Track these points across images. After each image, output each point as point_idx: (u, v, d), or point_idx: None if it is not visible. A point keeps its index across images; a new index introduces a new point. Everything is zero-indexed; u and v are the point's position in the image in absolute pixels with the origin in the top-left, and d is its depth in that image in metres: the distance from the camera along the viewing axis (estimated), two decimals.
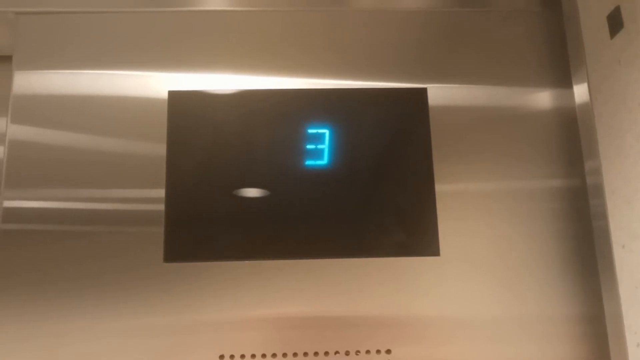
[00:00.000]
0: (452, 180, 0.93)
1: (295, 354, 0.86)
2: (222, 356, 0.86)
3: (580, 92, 0.94)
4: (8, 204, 0.89)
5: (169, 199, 0.90)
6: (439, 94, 0.96)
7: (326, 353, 0.86)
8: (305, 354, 0.86)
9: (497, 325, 0.88)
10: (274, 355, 0.86)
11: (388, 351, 0.87)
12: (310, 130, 0.94)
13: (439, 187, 0.92)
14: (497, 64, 0.97)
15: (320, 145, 0.93)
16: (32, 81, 0.93)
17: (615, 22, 0.85)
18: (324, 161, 0.92)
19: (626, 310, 0.83)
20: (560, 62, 0.97)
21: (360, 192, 0.92)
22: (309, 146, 0.93)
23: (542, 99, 0.97)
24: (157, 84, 0.94)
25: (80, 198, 0.90)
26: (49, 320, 0.86)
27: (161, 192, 0.90)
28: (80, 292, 0.87)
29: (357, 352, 0.87)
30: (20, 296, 0.86)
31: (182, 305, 0.87)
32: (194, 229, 0.90)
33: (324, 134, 0.93)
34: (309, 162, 0.92)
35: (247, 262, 0.89)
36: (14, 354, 0.85)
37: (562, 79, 0.97)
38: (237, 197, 0.91)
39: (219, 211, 0.90)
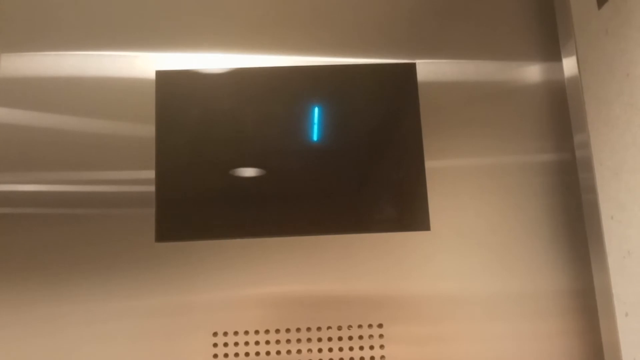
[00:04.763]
0: (441, 155, 0.93)
1: (288, 330, 0.87)
2: (215, 333, 0.86)
3: (569, 65, 0.94)
4: None
5: (159, 180, 0.90)
6: (428, 69, 0.96)
7: (319, 328, 0.87)
8: (298, 330, 0.87)
9: (487, 299, 0.89)
10: (267, 331, 0.87)
11: (380, 325, 0.87)
12: (300, 107, 0.93)
13: (429, 163, 0.92)
14: (486, 38, 0.97)
15: (310, 122, 0.93)
16: (18, 64, 0.93)
17: None
18: (313, 138, 0.92)
19: (615, 280, 0.83)
20: (549, 36, 0.97)
21: (351, 168, 0.92)
22: (298, 123, 0.93)
23: (532, 72, 0.96)
24: (144, 64, 0.94)
25: (70, 181, 0.90)
26: (42, 303, 0.86)
27: (151, 173, 0.90)
28: (72, 274, 0.87)
29: (350, 326, 0.87)
30: (12, 280, 0.87)
31: (175, 284, 0.88)
32: (185, 209, 0.90)
33: (313, 110, 0.93)
34: (298, 139, 0.92)
35: (238, 240, 0.89)
36: (6, 339, 0.85)
37: (552, 52, 0.97)
38: (227, 175, 0.91)
39: (209, 190, 0.91)
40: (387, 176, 0.92)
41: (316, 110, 0.93)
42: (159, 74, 0.93)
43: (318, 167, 0.92)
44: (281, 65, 0.95)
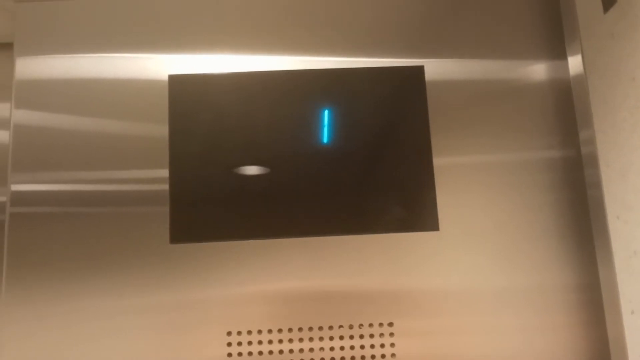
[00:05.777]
0: (449, 154, 0.94)
1: (300, 329, 0.89)
2: (229, 332, 0.88)
3: (574, 63, 0.95)
4: (16, 187, 0.90)
5: (173, 180, 0.91)
6: (435, 69, 0.97)
7: (330, 327, 0.89)
8: (310, 329, 0.89)
9: (496, 296, 0.90)
10: (279, 330, 0.88)
11: (390, 324, 0.89)
12: (310, 110, 0.95)
13: (437, 162, 0.93)
14: (491, 37, 0.98)
15: (320, 124, 0.94)
16: (34, 67, 0.94)
17: None
18: (324, 140, 0.94)
19: (621, 280, 0.85)
20: (554, 35, 0.99)
21: (360, 169, 0.94)
22: (309, 125, 0.94)
23: (538, 71, 0.98)
24: (157, 67, 0.95)
25: (86, 180, 0.91)
26: (59, 300, 0.88)
27: (164, 172, 0.92)
28: (88, 272, 0.89)
29: (360, 325, 0.89)
30: (30, 277, 0.88)
31: (190, 284, 0.89)
32: (198, 210, 0.91)
33: (323, 113, 0.95)
34: (309, 141, 0.94)
35: (251, 241, 0.91)
36: (25, 334, 0.87)
37: (557, 51, 0.98)
38: (240, 177, 0.92)
39: (221, 191, 0.92)
40: (396, 176, 0.93)
41: (326, 112, 0.95)
42: (172, 77, 0.94)
43: (329, 168, 0.93)
44: (292, 65, 0.96)
